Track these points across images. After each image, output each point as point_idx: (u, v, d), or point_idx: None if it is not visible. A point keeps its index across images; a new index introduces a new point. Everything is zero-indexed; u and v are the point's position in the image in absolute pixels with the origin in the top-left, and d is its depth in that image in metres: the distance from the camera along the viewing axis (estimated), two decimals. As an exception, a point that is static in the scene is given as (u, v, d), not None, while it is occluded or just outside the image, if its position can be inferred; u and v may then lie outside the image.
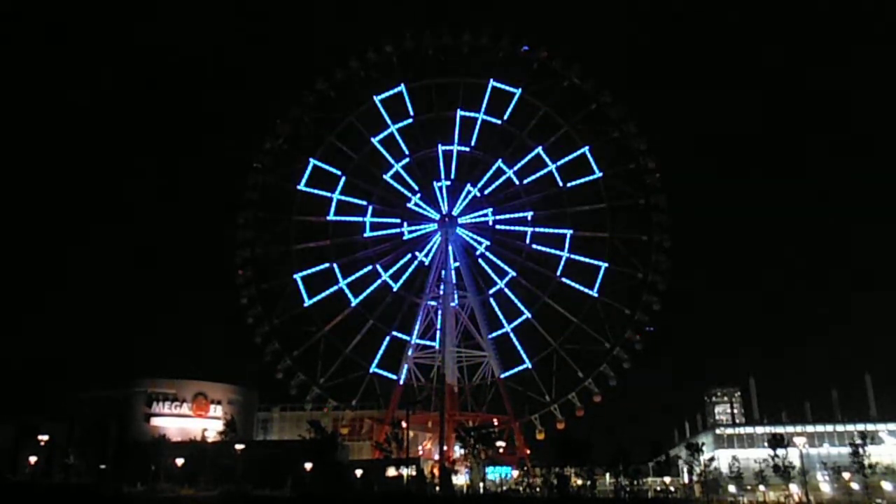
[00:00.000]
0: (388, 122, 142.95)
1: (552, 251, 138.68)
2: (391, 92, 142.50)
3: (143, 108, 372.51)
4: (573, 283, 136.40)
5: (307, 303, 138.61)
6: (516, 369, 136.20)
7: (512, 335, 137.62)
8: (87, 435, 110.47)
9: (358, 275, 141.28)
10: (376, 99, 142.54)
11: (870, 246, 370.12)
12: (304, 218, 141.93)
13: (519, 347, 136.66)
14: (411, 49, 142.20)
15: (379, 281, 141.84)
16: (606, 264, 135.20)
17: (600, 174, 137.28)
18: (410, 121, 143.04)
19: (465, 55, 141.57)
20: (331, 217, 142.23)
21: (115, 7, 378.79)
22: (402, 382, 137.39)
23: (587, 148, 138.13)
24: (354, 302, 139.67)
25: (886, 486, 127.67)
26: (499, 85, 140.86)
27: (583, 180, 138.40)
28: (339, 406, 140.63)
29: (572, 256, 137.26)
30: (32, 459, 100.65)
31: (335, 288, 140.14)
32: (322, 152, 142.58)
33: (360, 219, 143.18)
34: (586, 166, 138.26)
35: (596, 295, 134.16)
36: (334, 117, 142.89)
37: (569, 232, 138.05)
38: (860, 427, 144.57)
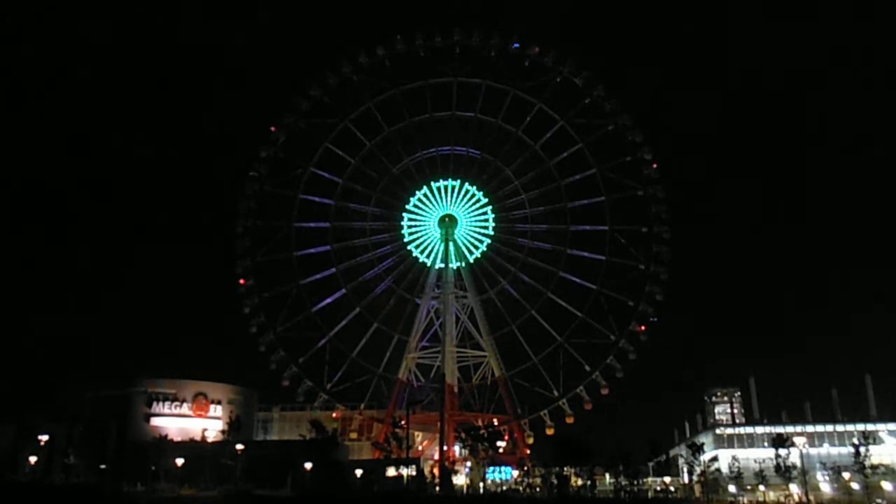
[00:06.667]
0: (384, 125, 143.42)
1: (552, 246, 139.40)
2: (385, 95, 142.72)
3: (142, 106, 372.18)
4: (575, 278, 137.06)
5: (311, 309, 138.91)
6: (522, 366, 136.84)
7: (517, 332, 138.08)
8: (87, 435, 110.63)
9: (360, 279, 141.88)
10: (371, 102, 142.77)
11: (870, 244, 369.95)
12: (303, 224, 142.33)
13: (524, 344, 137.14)
14: (403, 51, 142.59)
15: (382, 284, 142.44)
16: (607, 257, 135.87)
17: (597, 168, 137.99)
18: (406, 123, 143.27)
19: (457, 55, 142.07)
20: (331, 222, 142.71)
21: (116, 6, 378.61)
22: (402, 382, 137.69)
23: (583, 143, 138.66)
24: (358, 306, 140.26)
25: (886, 486, 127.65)
26: (492, 84, 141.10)
27: (580, 175, 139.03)
28: (347, 408, 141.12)
29: (573, 251, 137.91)
30: (32, 459, 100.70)
31: (339, 293, 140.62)
32: (319, 158, 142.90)
33: (359, 223, 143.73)
34: (583, 161, 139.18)
35: (598, 288, 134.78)
36: (329, 122, 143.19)
37: (568, 227, 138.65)
38: (860, 427, 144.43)
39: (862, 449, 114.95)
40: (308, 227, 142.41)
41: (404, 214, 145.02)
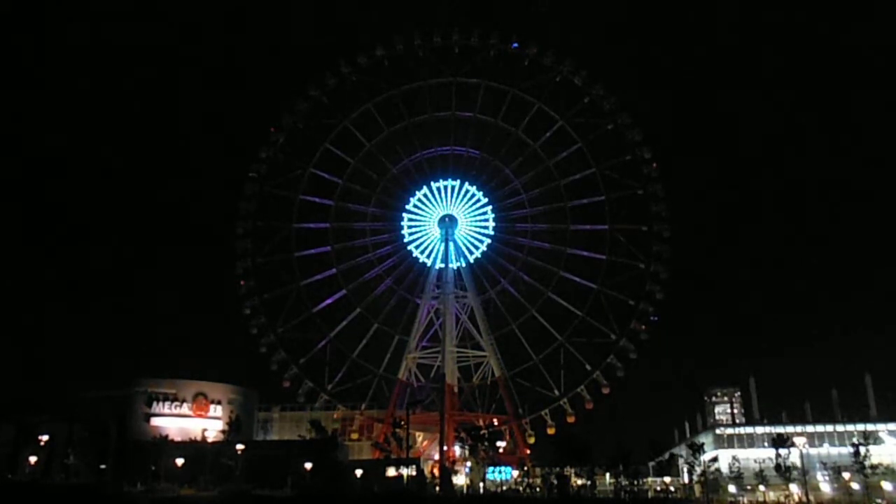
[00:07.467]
0: (383, 125, 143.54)
1: (553, 246, 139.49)
2: (384, 95, 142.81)
3: (142, 107, 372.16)
4: (575, 278, 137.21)
5: (312, 310, 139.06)
6: (523, 366, 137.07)
7: (517, 332, 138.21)
8: (87, 435, 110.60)
9: (361, 279, 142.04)
10: (370, 103, 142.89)
11: (870, 245, 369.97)
12: (303, 225, 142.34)
13: (525, 344, 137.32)
14: (402, 52, 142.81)
15: (382, 285, 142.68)
16: (607, 256, 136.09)
17: (597, 167, 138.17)
18: (405, 123, 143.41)
19: (456, 56, 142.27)
20: (331, 223, 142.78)
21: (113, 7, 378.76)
22: (402, 382, 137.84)
23: (582, 142, 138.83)
24: (358, 306, 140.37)
25: (886, 486, 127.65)
26: (491, 84, 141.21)
27: (580, 174, 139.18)
28: (348, 408, 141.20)
29: (573, 250, 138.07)
30: (32, 459, 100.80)
31: (339, 294, 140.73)
32: (318, 159, 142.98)
33: (359, 223, 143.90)
34: (583, 160, 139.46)
35: (598, 287, 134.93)
36: (329, 123, 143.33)
37: (568, 226, 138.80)
38: (860, 427, 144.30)
39: (862, 449, 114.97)
40: (308, 227, 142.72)
41: (404, 215, 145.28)
